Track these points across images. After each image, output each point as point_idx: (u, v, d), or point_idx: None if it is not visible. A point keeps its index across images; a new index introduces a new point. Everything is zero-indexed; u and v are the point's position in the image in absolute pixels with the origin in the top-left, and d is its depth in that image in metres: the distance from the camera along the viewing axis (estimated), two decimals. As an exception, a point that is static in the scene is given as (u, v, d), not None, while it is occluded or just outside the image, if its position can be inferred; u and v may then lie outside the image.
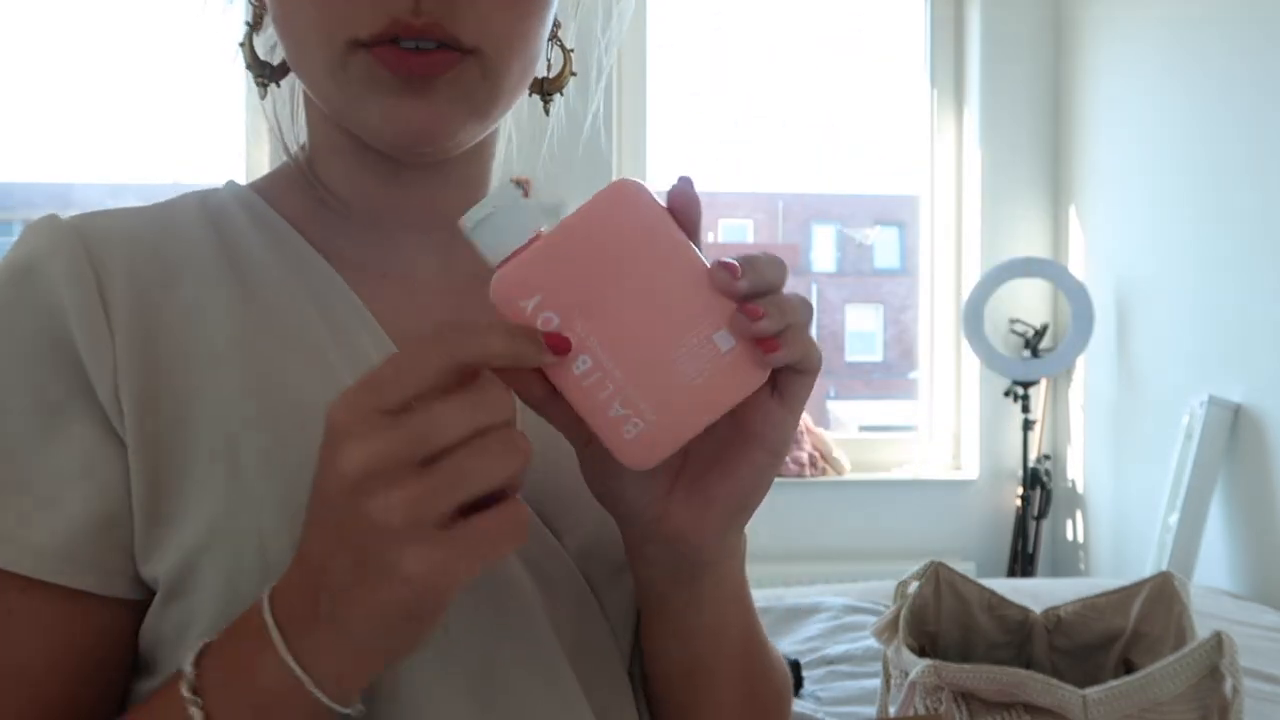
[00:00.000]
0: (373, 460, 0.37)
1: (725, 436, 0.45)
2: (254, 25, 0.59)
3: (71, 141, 3.11)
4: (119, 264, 0.52)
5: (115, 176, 3.03)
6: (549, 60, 0.62)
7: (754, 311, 0.41)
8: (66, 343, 0.49)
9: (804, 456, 2.98)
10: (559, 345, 0.41)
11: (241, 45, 0.59)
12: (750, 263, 0.42)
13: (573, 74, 0.64)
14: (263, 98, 0.60)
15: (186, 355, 0.51)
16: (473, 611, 0.51)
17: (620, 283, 0.42)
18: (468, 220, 0.42)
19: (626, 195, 0.42)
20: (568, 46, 0.63)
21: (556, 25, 0.62)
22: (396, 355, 0.39)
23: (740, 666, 0.57)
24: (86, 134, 3.10)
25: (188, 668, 0.43)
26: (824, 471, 3.01)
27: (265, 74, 0.59)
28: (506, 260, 0.42)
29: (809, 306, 0.44)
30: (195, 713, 0.42)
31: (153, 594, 0.50)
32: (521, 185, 0.43)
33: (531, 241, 0.42)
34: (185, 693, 0.42)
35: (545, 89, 0.62)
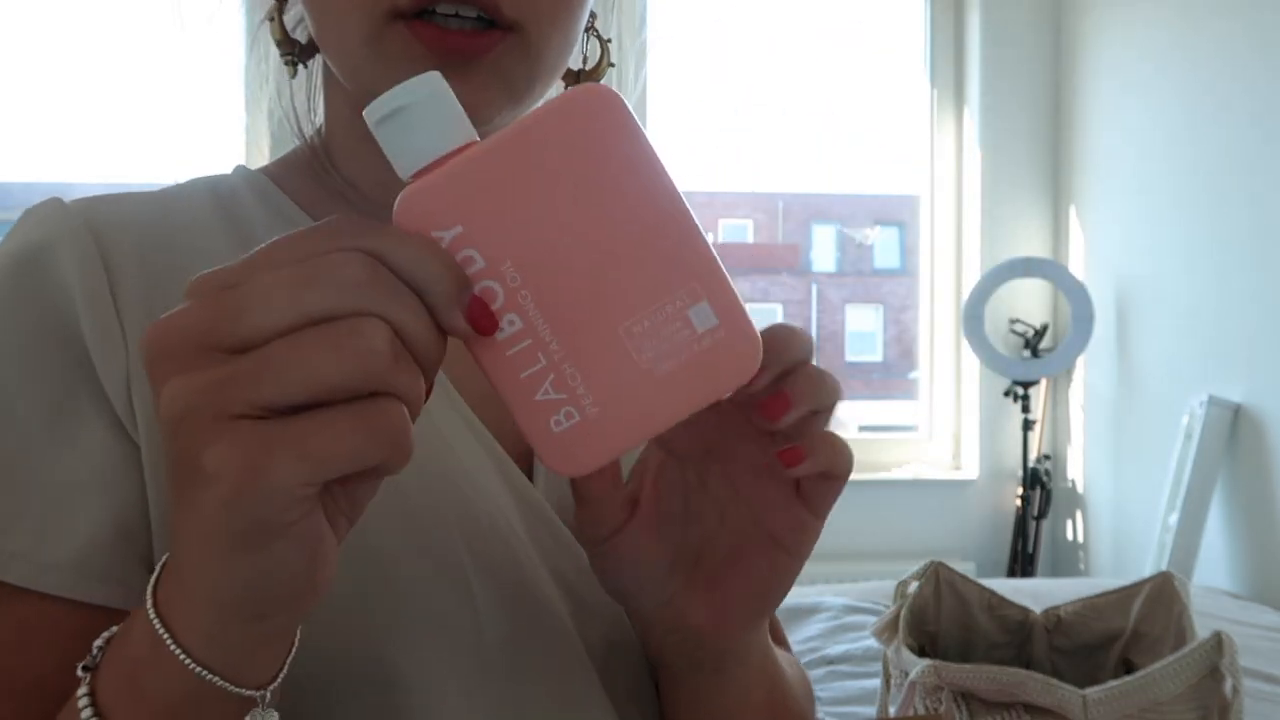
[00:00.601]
0: (173, 340, 0.31)
1: (744, 532, 0.42)
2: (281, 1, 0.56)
3: (71, 140, 3.11)
4: (129, 254, 0.49)
5: (114, 175, 3.03)
6: (584, 53, 0.60)
7: (794, 454, 0.37)
8: (75, 340, 0.46)
9: (804, 456, 2.98)
10: (482, 322, 0.32)
11: (270, 20, 0.55)
12: (802, 379, 0.36)
13: (611, 65, 0.61)
14: (293, 77, 0.57)
15: None
16: (503, 628, 0.49)
17: (573, 223, 0.32)
18: (373, 111, 0.32)
19: (597, 107, 0.31)
20: (605, 38, 0.61)
21: (593, 15, 0.60)
22: (283, 240, 0.32)
23: (765, 717, 0.54)
24: (86, 133, 3.10)
25: (95, 647, 0.40)
26: (824, 471, 3.01)
27: (294, 52, 0.56)
28: (422, 172, 0.32)
29: (837, 389, 0.38)
30: (83, 691, 0.38)
31: None
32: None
33: (460, 151, 0.32)
34: (79, 671, 0.39)
35: (581, 80, 0.60)
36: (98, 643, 0.39)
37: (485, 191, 0.31)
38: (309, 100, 0.60)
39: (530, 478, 0.54)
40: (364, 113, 0.32)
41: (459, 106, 0.32)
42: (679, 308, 0.32)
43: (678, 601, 0.44)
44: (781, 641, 0.64)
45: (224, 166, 0.60)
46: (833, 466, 0.39)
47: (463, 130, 0.32)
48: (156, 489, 0.46)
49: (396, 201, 0.32)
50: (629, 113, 0.32)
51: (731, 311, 0.33)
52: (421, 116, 0.31)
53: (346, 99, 0.55)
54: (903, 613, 1.09)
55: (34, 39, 3.05)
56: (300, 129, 0.59)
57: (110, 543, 0.46)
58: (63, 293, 0.47)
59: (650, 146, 0.32)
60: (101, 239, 0.48)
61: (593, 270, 0.32)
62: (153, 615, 0.34)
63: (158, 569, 0.36)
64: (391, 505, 0.47)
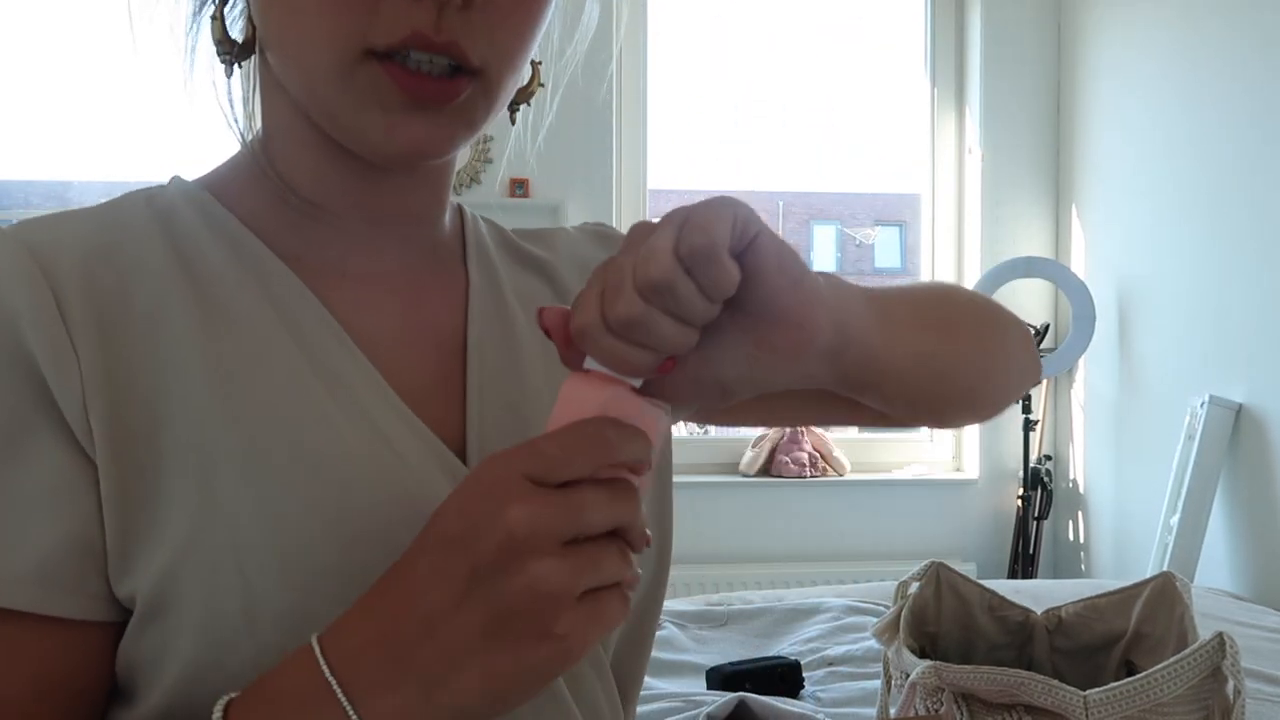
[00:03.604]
0: (540, 527, 0.39)
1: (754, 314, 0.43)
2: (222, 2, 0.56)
3: (69, 139, 3.11)
4: (73, 276, 0.49)
5: (113, 174, 3.03)
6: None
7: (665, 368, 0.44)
8: (27, 362, 0.47)
9: (804, 457, 2.98)
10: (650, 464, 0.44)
11: (214, 19, 0.55)
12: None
13: (540, 85, 0.64)
14: (229, 75, 0.56)
15: (149, 368, 0.49)
16: None
17: None
18: None
19: None
20: (536, 60, 0.63)
21: None
22: (564, 439, 0.41)
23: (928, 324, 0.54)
24: (84, 132, 3.10)
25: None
26: (824, 472, 3.01)
27: (233, 52, 0.55)
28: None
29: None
30: None
31: (130, 614, 0.48)
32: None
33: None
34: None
35: (514, 99, 0.62)
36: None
37: (634, 413, 0.44)
38: (246, 102, 0.60)
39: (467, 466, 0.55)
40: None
41: None
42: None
43: (755, 363, 0.44)
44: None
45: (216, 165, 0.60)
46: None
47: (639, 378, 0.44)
48: (112, 504, 0.47)
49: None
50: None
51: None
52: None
53: (288, 104, 0.55)
54: (903, 613, 1.09)
55: (34, 39, 3.04)
56: (239, 131, 0.59)
57: (71, 556, 0.46)
58: (12, 323, 0.47)
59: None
60: (44, 261, 0.49)
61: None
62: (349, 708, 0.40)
63: (328, 672, 0.40)
64: (334, 505, 0.48)
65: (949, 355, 0.54)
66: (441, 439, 0.54)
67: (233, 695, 0.42)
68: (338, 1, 0.48)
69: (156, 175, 0.60)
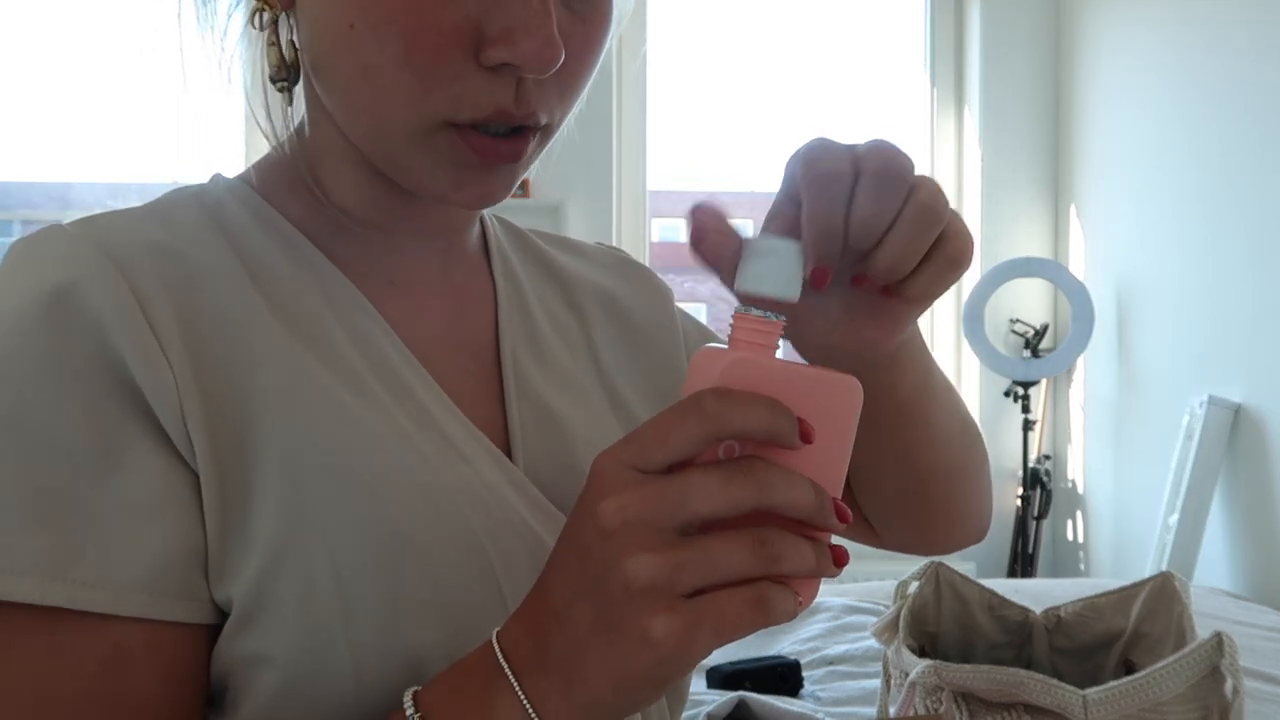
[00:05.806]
0: (632, 517, 0.37)
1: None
2: (274, 24, 0.54)
3: (70, 140, 3.11)
4: (150, 279, 0.48)
5: (114, 175, 3.03)
6: None
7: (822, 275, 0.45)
8: (119, 371, 0.46)
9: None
10: (809, 433, 0.40)
11: (271, 45, 0.54)
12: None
13: None
14: (289, 103, 0.55)
15: (230, 370, 0.48)
16: (506, 600, 0.50)
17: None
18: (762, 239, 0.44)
19: (856, 395, 0.43)
20: None
21: None
22: (660, 417, 0.39)
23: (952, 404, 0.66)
24: (85, 133, 3.10)
25: (408, 710, 0.42)
26: (824, 471, 3.01)
27: (288, 78, 0.54)
28: (756, 303, 0.43)
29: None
30: None
31: (225, 617, 0.48)
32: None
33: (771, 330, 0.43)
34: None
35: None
36: (409, 711, 0.43)
37: (768, 381, 0.40)
38: (283, 110, 0.58)
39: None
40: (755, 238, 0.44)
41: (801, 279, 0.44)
42: None
43: (837, 327, 0.51)
44: None
45: (222, 167, 0.59)
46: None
47: (794, 291, 0.43)
48: (212, 510, 0.46)
49: (726, 363, 0.40)
50: (859, 405, 0.43)
51: None
52: (786, 265, 0.43)
53: (335, 126, 0.54)
54: (903, 613, 1.09)
55: (35, 39, 3.04)
56: (280, 142, 0.58)
57: (179, 562, 0.46)
58: (99, 328, 0.46)
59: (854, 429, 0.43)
60: (122, 265, 0.48)
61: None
62: (529, 707, 0.41)
63: (499, 652, 0.42)
64: (419, 510, 0.49)
65: (956, 438, 0.68)
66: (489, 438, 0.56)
67: (417, 688, 0.44)
68: (421, 75, 0.48)
69: (157, 176, 0.59)
